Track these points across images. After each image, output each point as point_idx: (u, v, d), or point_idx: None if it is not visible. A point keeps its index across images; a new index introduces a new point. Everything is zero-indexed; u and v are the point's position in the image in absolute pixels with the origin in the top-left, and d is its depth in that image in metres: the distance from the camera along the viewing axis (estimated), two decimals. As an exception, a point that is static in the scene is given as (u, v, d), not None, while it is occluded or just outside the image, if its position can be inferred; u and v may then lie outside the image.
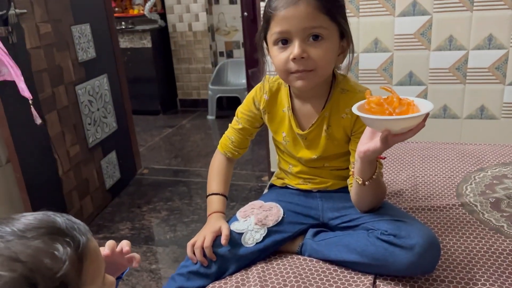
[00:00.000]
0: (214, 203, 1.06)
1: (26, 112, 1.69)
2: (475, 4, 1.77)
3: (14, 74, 1.30)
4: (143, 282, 1.69)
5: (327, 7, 0.88)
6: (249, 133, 1.11)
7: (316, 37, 0.88)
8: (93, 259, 0.54)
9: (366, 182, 0.89)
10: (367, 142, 0.84)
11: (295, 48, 0.88)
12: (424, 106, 0.79)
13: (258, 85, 1.07)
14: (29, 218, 0.52)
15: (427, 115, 0.78)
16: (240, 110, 1.11)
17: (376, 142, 0.81)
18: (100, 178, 2.24)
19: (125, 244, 0.75)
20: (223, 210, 1.05)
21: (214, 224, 0.98)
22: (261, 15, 0.97)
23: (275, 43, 0.91)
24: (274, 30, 0.90)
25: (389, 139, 0.79)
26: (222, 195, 1.08)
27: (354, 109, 0.81)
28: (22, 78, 1.37)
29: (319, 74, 0.91)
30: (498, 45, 1.80)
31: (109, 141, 2.33)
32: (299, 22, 0.87)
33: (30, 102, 1.43)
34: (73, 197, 2.01)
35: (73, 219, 0.56)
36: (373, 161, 0.88)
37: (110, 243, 0.73)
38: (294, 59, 0.88)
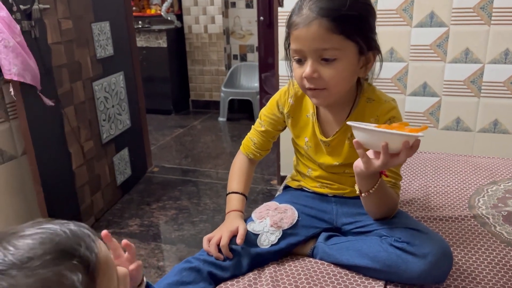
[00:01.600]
0: (234, 201, 1.07)
1: (44, 106, 1.72)
2: (492, 18, 1.78)
3: (24, 66, 1.33)
4: (150, 279, 1.71)
5: (342, 27, 0.86)
6: (272, 136, 1.12)
7: (326, 59, 0.89)
8: (105, 271, 0.51)
9: (363, 194, 0.91)
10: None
11: (307, 67, 0.89)
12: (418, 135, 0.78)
13: (283, 88, 1.08)
14: (28, 241, 0.47)
15: (416, 141, 0.78)
16: (263, 112, 1.12)
17: (361, 162, 0.83)
18: (112, 174, 2.27)
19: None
20: (242, 209, 1.06)
21: (232, 223, 0.99)
22: (278, 21, 0.98)
23: (293, 58, 0.93)
24: (292, 47, 0.92)
25: (369, 159, 0.81)
26: (242, 194, 1.09)
27: (349, 122, 0.83)
28: (32, 67, 1.40)
29: (331, 93, 0.92)
30: (515, 60, 1.80)
31: (122, 138, 2.36)
32: (311, 43, 0.87)
33: (38, 91, 1.46)
34: (85, 192, 2.03)
35: (75, 228, 0.51)
36: (370, 177, 0.88)
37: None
38: (305, 77, 0.90)
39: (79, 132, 1.97)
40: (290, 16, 0.92)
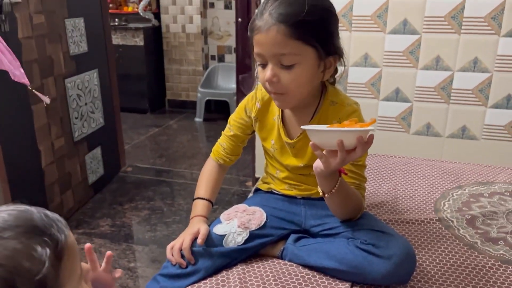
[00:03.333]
0: (198, 207, 1.08)
1: (12, 101, 1.68)
2: (463, 27, 1.83)
3: (8, 61, 1.30)
4: (120, 280, 1.68)
5: (300, 32, 0.86)
6: (241, 140, 1.14)
7: (285, 65, 0.90)
8: (71, 255, 0.53)
9: (326, 195, 0.93)
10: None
11: (267, 71, 0.91)
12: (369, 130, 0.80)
13: (251, 93, 1.09)
14: (3, 215, 0.50)
15: (371, 136, 0.79)
16: (232, 118, 1.13)
17: (321, 162, 0.85)
18: (83, 173, 2.23)
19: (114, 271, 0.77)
20: (206, 214, 1.07)
21: (193, 227, 1.00)
22: None
23: (257, 61, 0.94)
24: (254, 51, 0.93)
25: (327, 158, 0.83)
26: (208, 200, 1.10)
27: (304, 126, 0.85)
28: (18, 64, 1.37)
29: (291, 97, 0.93)
30: (483, 69, 1.86)
31: (95, 136, 2.32)
32: (270, 48, 0.88)
33: (29, 87, 1.43)
34: (54, 190, 1.99)
35: (50, 214, 0.54)
36: (330, 177, 0.90)
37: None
38: (266, 81, 0.92)
39: (49, 129, 1.93)
40: (253, 20, 0.92)
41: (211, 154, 1.17)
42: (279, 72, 0.90)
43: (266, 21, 0.87)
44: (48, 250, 0.49)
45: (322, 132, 0.82)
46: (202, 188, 1.11)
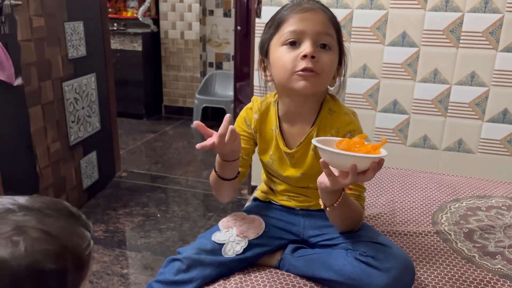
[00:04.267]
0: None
1: (8, 103, 1.67)
2: (461, 41, 1.85)
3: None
4: (113, 287, 1.66)
5: (337, 26, 0.96)
6: (246, 152, 1.07)
7: (324, 46, 0.93)
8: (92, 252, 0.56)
9: (327, 208, 0.92)
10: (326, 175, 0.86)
11: (307, 47, 0.91)
12: (382, 153, 0.81)
13: (248, 105, 1.08)
14: (37, 200, 0.53)
15: (382, 160, 0.80)
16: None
17: (327, 179, 0.85)
18: (78, 178, 2.21)
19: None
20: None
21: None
22: (268, 23, 1.00)
23: (284, 43, 0.94)
24: (287, 30, 0.93)
25: (336, 178, 0.83)
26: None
27: (314, 141, 0.84)
28: (6, 66, 1.36)
29: (322, 80, 0.94)
30: (480, 83, 1.88)
31: (90, 141, 2.30)
32: (315, 25, 0.92)
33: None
34: (48, 194, 1.97)
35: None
36: (334, 193, 0.89)
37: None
38: (305, 56, 0.91)
39: (45, 133, 1.91)
40: (283, 9, 0.96)
41: None
42: (317, 52, 0.92)
43: (310, 6, 0.94)
44: (88, 233, 0.53)
45: (335, 154, 0.80)
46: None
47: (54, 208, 0.52)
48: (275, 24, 0.96)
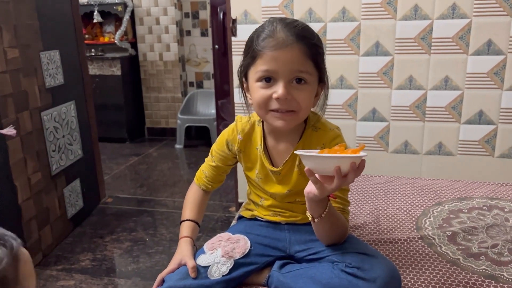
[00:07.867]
0: (185, 228, 1.09)
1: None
2: (432, 48, 1.89)
3: None
4: (103, 316, 1.63)
5: (313, 54, 0.92)
6: (222, 170, 1.15)
7: (299, 80, 0.92)
8: (27, 261, 0.57)
9: (316, 220, 0.93)
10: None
11: (280, 88, 0.90)
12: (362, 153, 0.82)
13: (231, 126, 1.09)
14: None
15: (362, 161, 0.81)
16: (214, 148, 1.13)
17: (314, 187, 0.86)
18: (62, 207, 2.18)
19: None
20: (192, 235, 1.08)
21: (180, 250, 1.02)
22: (245, 48, 0.98)
23: (259, 80, 0.94)
24: (260, 68, 0.92)
25: (322, 184, 0.84)
26: (193, 221, 1.10)
27: (298, 152, 0.85)
28: None
29: (299, 116, 0.95)
30: (454, 86, 1.92)
31: (73, 168, 2.28)
32: (287, 64, 0.90)
33: None
34: (31, 227, 1.93)
35: (1, 229, 0.58)
36: (321, 202, 0.91)
37: None
38: (277, 98, 0.91)
39: (25, 164, 1.89)
40: (258, 40, 0.92)
41: (195, 179, 1.18)
42: (291, 90, 0.91)
43: (284, 39, 0.90)
44: (4, 249, 0.53)
45: (319, 158, 0.82)
46: (188, 211, 1.13)
47: None
48: (251, 54, 0.95)
